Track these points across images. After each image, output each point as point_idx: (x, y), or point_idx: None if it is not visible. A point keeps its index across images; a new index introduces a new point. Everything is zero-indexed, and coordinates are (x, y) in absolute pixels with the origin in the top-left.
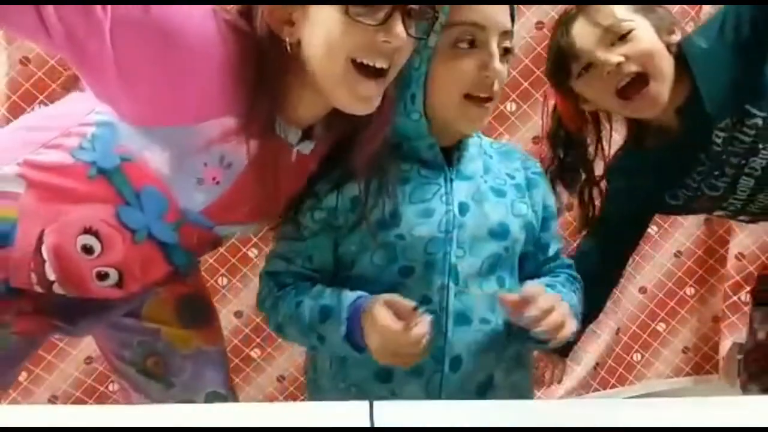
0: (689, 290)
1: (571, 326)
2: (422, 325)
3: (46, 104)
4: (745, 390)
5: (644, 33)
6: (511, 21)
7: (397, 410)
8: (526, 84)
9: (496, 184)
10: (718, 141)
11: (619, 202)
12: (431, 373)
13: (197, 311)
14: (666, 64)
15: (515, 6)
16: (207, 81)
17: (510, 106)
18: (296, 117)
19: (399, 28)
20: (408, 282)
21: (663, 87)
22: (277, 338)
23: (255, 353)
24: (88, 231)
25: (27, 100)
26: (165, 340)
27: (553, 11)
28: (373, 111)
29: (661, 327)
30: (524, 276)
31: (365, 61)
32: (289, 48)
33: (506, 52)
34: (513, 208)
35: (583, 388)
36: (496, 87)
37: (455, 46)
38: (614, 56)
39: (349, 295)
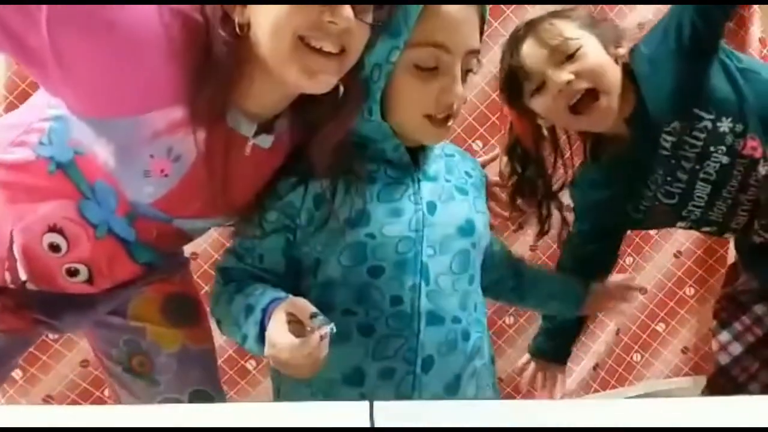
0: (689, 290)
1: None
2: (316, 335)
3: None
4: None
5: (592, 49)
6: (480, 35)
7: (398, 410)
8: None
9: (459, 183)
10: (667, 146)
11: (585, 218)
12: (403, 375)
13: (184, 310)
14: (614, 77)
15: (485, 18)
16: (151, 70)
17: None
18: (251, 108)
19: (346, 10)
20: (378, 282)
21: (613, 100)
22: None
23: (251, 365)
24: (53, 229)
25: (24, 100)
26: (150, 338)
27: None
28: (336, 104)
29: (660, 327)
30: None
31: (312, 42)
32: (238, 29)
33: (468, 72)
34: (475, 205)
35: (583, 389)
36: (455, 107)
37: (418, 67)
38: (564, 75)
39: (267, 297)
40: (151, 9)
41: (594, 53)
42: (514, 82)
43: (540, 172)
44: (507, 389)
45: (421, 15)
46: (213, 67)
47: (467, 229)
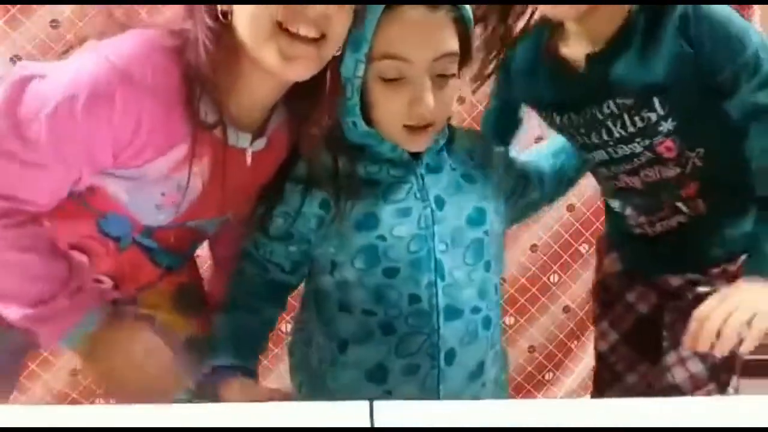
0: None
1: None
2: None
3: None
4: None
5: None
6: (461, 36)
7: (397, 410)
8: None
9: (464, 169)
10: (605, 111)
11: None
12: (428, 370)
13: (193, 299)
14: None
15: (466, 18)
16: (155, 124)
17: None
18: (242, 114)
19: None
20: (394, 282)
21: None
22: (275, 348)
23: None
24: (74, 248)
25: None
26: (159, 326)
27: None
28: (322, 95)
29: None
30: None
31: (290, 27)
32: (221, 16)
33: (446, 70)
34: (484, 189)
35: (583, 389)
36: (434, 115)
37: (383, 79)
38: None
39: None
40: (146, 71)
41: None
42: None
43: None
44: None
45: (380, 25)
46: (207, 79)
47: (477, 219)
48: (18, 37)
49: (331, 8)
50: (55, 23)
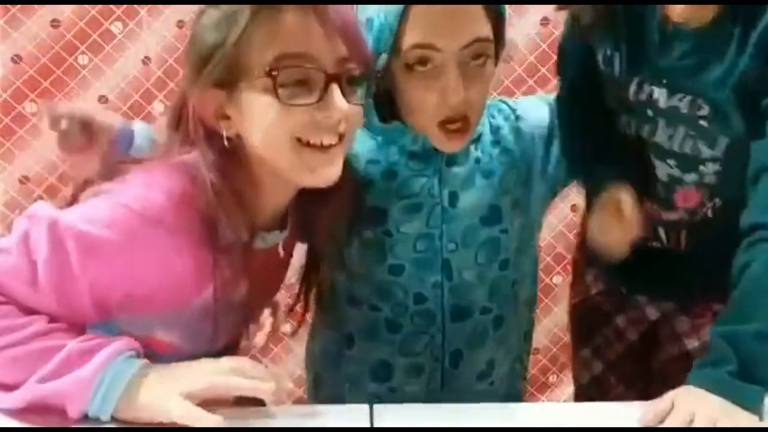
0: None
1: None
2: None
3: (37, 103)
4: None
5: None
6: (493, 21)
7: (397, 412)
8: (531, 81)
9: (485, 163)
10: (631, 91)
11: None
12: (431, 371)
13: None
14: None
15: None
16: (183, 262)
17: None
18: (269, 217)
19: (338, 100)
20: (399, 280)
21: None
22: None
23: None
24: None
25: (18, 98)
26: None
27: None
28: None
29: None
30: None
31: (312, 140)
32: (227, 142)
33: (479, 57)
34: (502, 184)
35: None
36: (468, 106)
37: (410, 68)
38: None
39: None
40: (164, 214)
41: None
42: None
43: None
44: None
45: (408, 16)
46: (228, 207)
47: (491, 218)
48: (19, 36)
49: (346, 110)
50: (55, 23)
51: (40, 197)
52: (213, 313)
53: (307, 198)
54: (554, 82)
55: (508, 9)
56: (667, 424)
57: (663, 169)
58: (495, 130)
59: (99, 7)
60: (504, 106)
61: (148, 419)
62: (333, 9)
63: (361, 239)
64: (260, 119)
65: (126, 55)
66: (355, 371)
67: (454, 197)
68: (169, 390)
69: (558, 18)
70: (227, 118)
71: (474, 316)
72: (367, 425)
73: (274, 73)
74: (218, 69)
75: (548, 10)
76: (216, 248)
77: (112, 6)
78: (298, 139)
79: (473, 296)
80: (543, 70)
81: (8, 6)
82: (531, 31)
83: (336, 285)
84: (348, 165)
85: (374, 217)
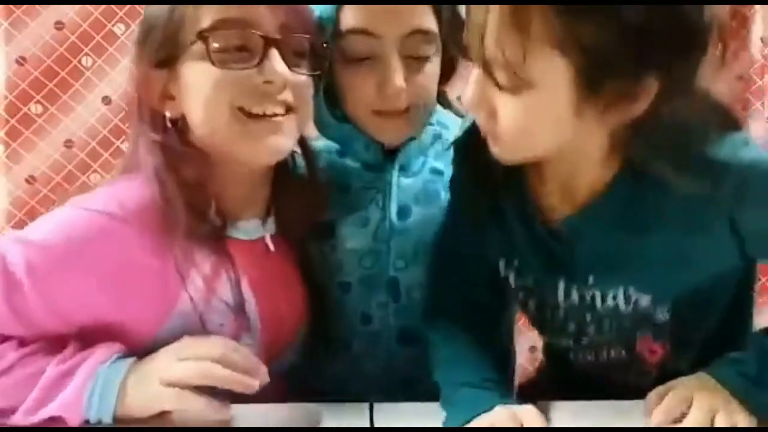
0: None
1: None
2: None
3: (42, 104)
4: None
5: None
6: (439, 15)
7: (397, 411)
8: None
9: (448, 174)
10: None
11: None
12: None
13: None
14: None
15: None
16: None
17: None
18: (237, 204)
19: (278, 65)
20: (347, 298)
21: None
22: None
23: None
24: None
25: (24, 100)
26: None
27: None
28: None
29: None
30: None
31: (254, 110)
32: (170, 123)
33: (418, 59)
34: None
35: None
36: (408, 100)
37: (346, 58)
38: None
39: None
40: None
41: None
42: None
43: None
44: None
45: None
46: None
47: None
48: (23, 38)
49: (289, 76)
50: (59, 25)
51: (47, 197)
52: (198, 317)
53: (282, 189)
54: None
55: None
56: (664, 403)
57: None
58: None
59: (102, 8)
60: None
61: (146, 415)
62: None
63: (309, 251)
64: (198, 90)
65: (129, 57)
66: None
67: (404, 211)
68: (154, 382)
69: None
70: (171, 98)
71: (423, 341)
72: (367, 425)
73: (206, 34)
74: (156, 45)
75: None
76: (179, 242)
77: (114, 7)
78: (240, 109)
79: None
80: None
81: (12, 8)
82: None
83: None
84: (317, 163)
85: (324, 232)
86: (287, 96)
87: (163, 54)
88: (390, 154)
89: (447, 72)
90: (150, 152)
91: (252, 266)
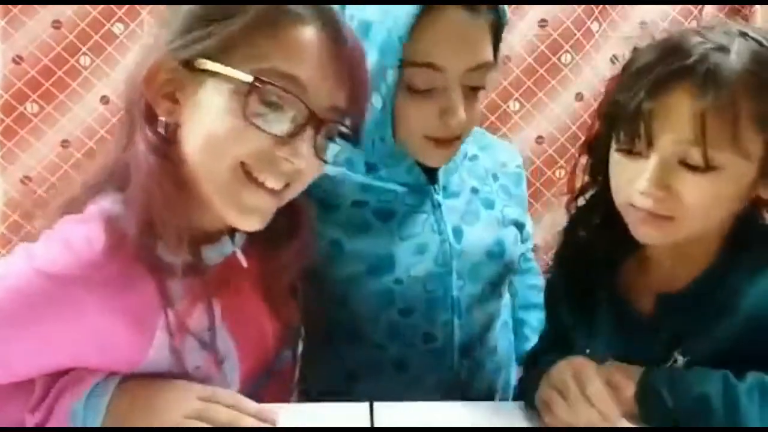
0: None
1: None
2: None
3: (38, 104)
4: None
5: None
6: (495, 45)
7: (398, 410)
8: (529, 83)
9: (485, 192)
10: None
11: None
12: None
13: None
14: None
15: (501, 24)
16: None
17: (513, 105)
18: (208, 224)
19: (306, 148)
20: (409, 320)
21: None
22: None
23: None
24: None
25: (20, 99)
26: None
27: (556, 9)
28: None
29: None
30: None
31: (254, 173)
32: (163, 129)
33: (474, 89)
34: (504, 218)
35: None
36: (463, 128)
37: (411, 89)
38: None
39: None
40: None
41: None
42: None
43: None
44: None
45: (415, 30)
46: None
47: (497, 252)
48: (20, 37)
49: (305, 163)
50: (57, 24)
51: (42, 197)
52: (176, 354)
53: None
54: (551, 84)
55: (507, 10)
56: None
57: None
58: (498, 169)
59: (100, 7)
60: (514, 154)
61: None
62: (353, 49)
63: (367, 286)
64: (212, 120)
65: (128, 56)
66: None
67: (458, 232)
68: (172, 414)
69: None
70: (174, 102)
71: (477, 350)
72: (367, 425)
73: (258, 85)
74: (197, 40)
75: (547, 11)
76: (156, 277)
77: (113, 7)
78: (242, 165)
79: (477, 330)
80: (541, 71)
81: (9, 6)
82: (529, 32)
83: (336, 323)
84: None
85: (382, 264)
86: (294, 177)
87: (197, 53)
88: (428, 175)
89: None
90: (148, 151)
91: (225, 287)
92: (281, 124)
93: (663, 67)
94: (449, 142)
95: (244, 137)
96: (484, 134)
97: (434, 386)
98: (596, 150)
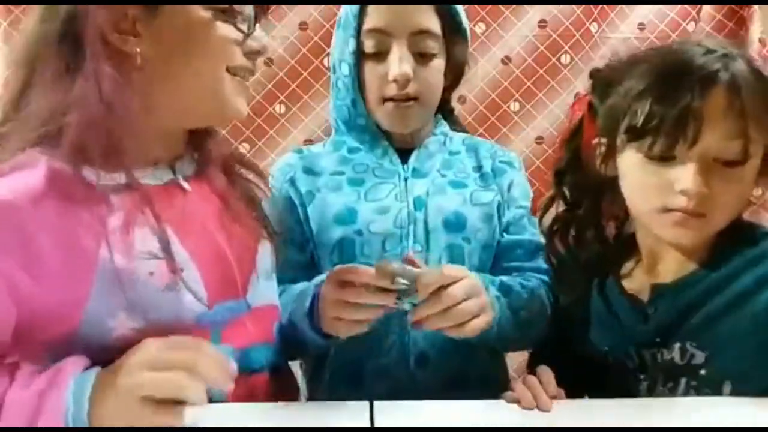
0: None
1: (484, 321)
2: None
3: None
4: None
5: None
6: (442, 19)
7: (398, 410)
8: (529, 83)
9: (458, 177)
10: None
11: None
12: (398, 372)
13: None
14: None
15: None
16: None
17: (513, 105)
18: (151, 150)
19: (261, 32)
20: None
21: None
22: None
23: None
24: None
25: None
26: None
27: (555, 10)
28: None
29: None
30: (497, 273)
31: (241, 64)
32: (140, 60)
33: (424, 56)
34: (472, 198)
35: None
36: (416, 90)
37: (365, 54)
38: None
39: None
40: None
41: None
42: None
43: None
44: None
45: (367, 7)
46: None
47: (454, 223)
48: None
49: (266, 40)
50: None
51: None
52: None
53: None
54: (551, 84)
55: (507, 11)
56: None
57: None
58: (481, 161)
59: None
60: (503, 153)
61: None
62: None
63: (331, 233)
64: (193, 39)
65: None
66: (332, 373)
67: (419, 202)
68: (128, 397)
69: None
70: (136, 35)
71: None
72: (367, 425)
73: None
74: None
75: (546, 12)
76: (93, 200)
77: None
78: (227, 69)
79: None
80: (541, 71)
81: (11, 8)
82: (528, 33)
83: (298, 266)
84: None
85: (346, 216)
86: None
87: None
88: (403, 162)
89: (453, 78)
90: (108, 84)
91: (169, 208)
92: (244, 20)
93: (699, 71)
94: (403, 102)
95: (224, 42)
96: (483, 142)
97: (390, 350)
98: (572, 177)
